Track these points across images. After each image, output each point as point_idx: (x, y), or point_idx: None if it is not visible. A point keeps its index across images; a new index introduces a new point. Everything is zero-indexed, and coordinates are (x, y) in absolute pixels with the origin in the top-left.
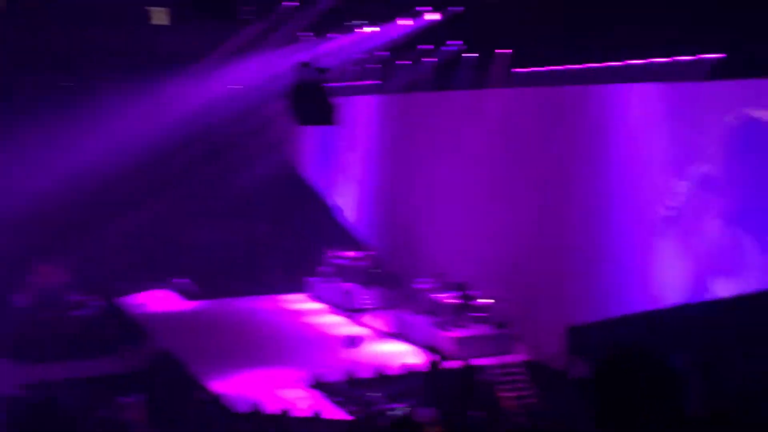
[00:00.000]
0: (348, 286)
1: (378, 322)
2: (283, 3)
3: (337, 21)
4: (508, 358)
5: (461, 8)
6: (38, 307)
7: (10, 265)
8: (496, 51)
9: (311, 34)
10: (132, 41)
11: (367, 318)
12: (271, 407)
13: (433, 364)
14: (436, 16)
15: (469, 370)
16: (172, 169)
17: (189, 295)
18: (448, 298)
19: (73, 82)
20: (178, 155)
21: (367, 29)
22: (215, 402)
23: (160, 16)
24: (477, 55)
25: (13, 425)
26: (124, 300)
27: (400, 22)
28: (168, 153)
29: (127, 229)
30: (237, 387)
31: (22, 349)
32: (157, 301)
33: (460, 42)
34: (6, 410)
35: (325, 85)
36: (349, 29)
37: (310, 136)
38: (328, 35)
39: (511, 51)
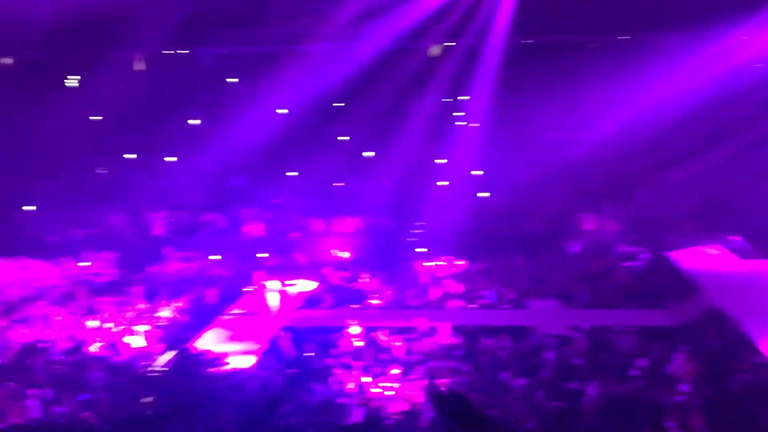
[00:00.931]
0: None
1: None
2: None
3: None
4: None
5: None
6: (590, 255)
7: (567, 213)
8: None
9: None
10: None
11: None
12: None
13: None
14: None
15: None
16: (729, 120)
17: (742, 254)
18: None
19: (629, 36)
20: (735, 107)
21: None
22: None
23: None
24: None
25: (562, 362)
26: (672, 254)
27: None
28: (726, 104)
29: (681, 181)
30: None
31: (574, 294)
32: (708, 257)
33: None
34: (557, 348)
35: None
36: None
37: None
38: None
39: None
